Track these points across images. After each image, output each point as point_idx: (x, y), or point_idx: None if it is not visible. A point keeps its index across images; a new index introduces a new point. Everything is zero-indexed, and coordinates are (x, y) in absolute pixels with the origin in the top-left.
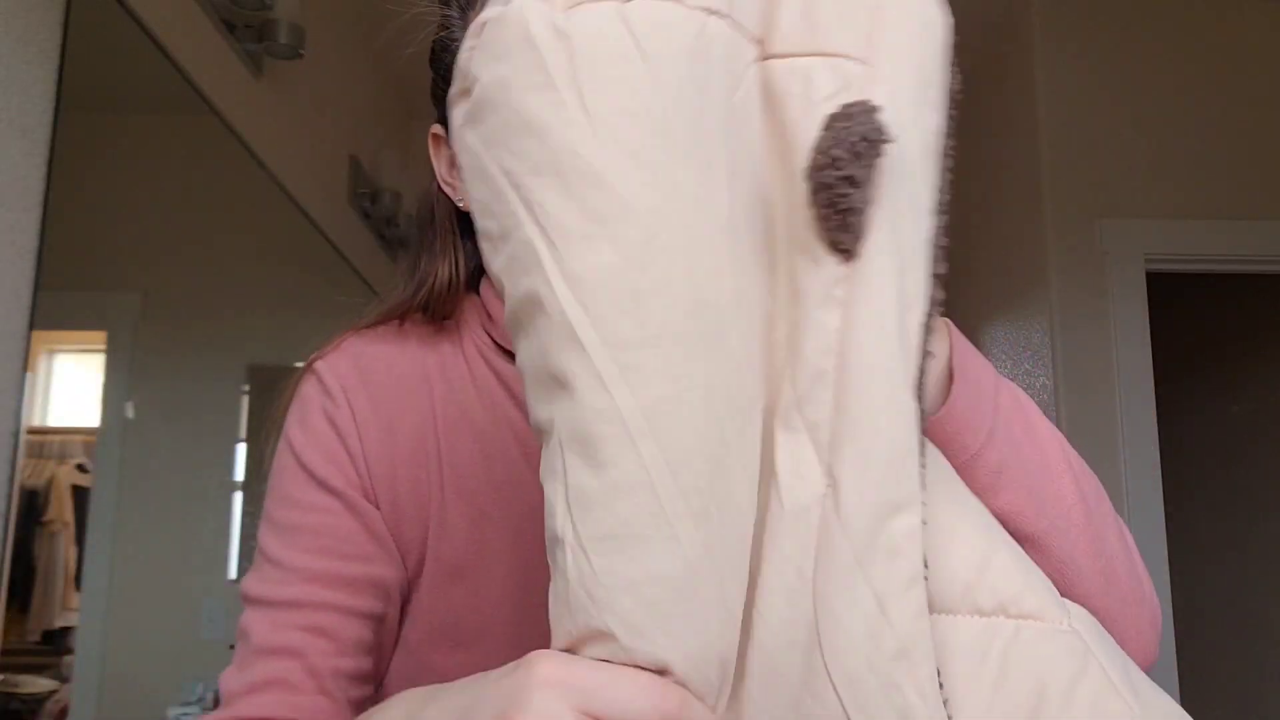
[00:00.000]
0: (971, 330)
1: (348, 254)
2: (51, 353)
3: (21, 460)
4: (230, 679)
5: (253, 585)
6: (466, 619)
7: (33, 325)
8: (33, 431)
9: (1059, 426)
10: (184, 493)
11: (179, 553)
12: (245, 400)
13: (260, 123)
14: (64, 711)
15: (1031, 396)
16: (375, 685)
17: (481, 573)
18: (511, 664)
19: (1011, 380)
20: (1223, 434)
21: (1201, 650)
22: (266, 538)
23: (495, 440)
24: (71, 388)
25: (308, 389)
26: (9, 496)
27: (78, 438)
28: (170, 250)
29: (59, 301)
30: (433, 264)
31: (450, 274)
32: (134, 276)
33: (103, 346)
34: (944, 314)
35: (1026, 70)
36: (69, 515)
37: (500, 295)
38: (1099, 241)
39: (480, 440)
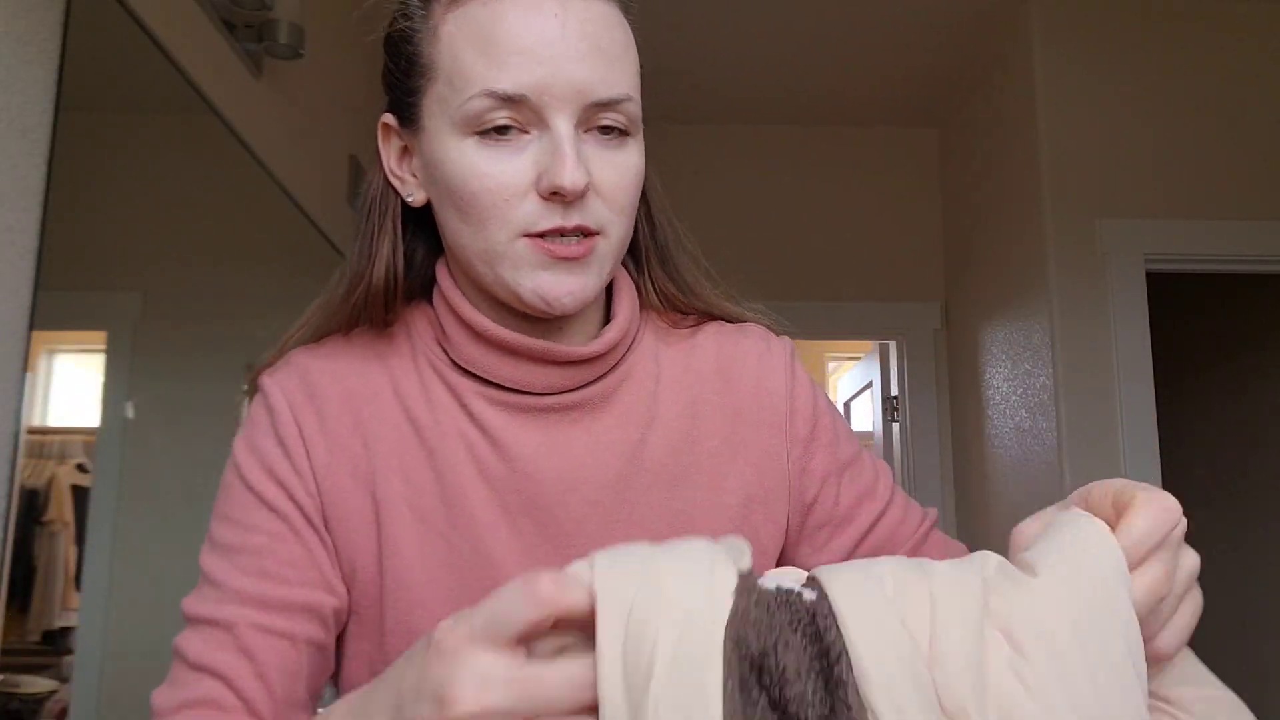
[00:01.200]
0: (972, 330)
1: (348, 254)
2: (51, 353)
3: (21, 460)
4: (161, 695)
5: (192, 604)
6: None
7: (33, 325)
8: (33, 431)
9: (1059, 426)
10: (184, 493)
11: (179, 553)
12: (245, 400)
13: (260, 123)
14: (64, 711)
15: (1031, 396)
16: (313, 711)
17: (435, 591)
18: (407, 653)
19: (1011, 380)
20: (1223, 434)
21: (1201, 650)
22: (207, 557)
23: (448, 457)
24: (71, 388)
25: (254, 409)
26: (9, 496)
27: (78, 438)
28: (170, 250)
29: (59, 301)
30: (368, 264)
31: (387, 275)
32: (134, 276)
33: (103, 346)
34: (945, 315)
35: (1026, 70)
36: (69, 515)
37: None
38: (1099, 241)
39: (433, 457)
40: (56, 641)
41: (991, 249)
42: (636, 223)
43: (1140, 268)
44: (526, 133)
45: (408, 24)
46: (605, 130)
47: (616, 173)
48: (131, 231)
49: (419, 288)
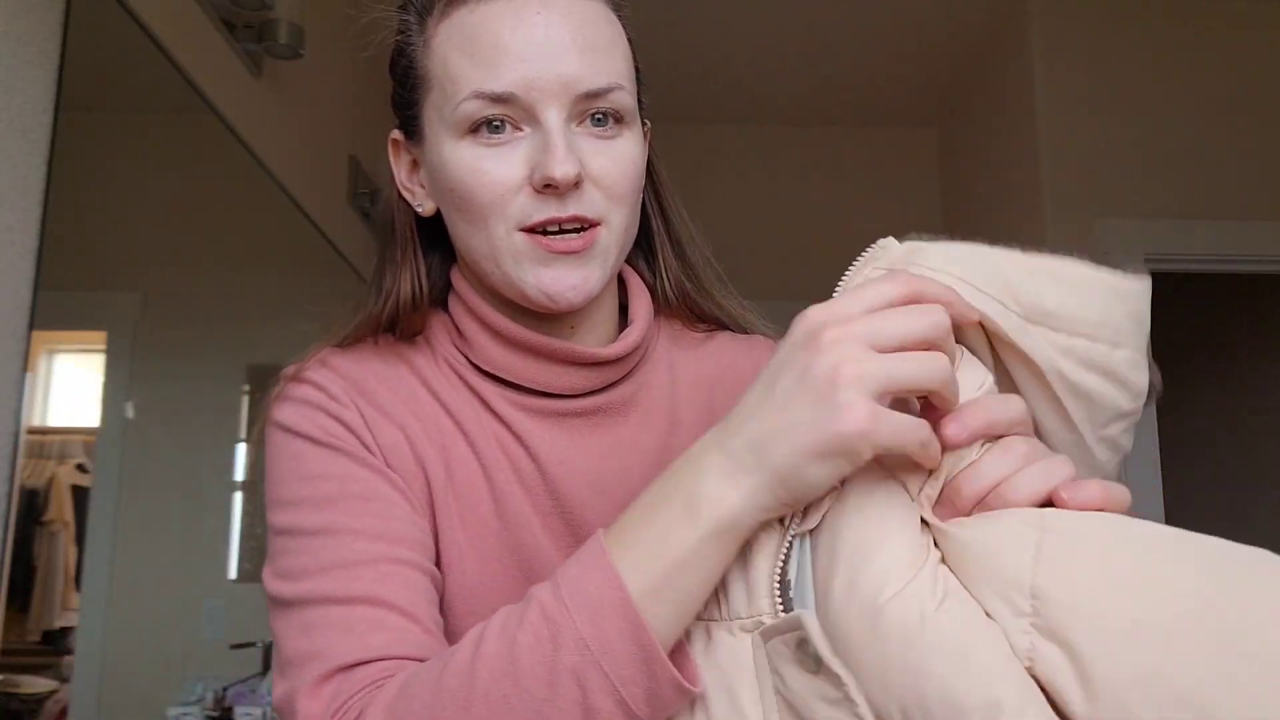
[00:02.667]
0: None
1: (348, 254)
2: (51, 353)
3: (21, 460)
4: (338, 646)
5: (299, 561)
6: (466, 627)
7: (33, 325)
8: (33, 431)
9: None
10: (184, 493)
11: (179, 553)
12: (245, 400)
13: (260, 123)
14: (64, 711)
15: None
16: None
17: (484, 581)
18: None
19: None
20: (1223, 434)
21: None
22: (299, 516)
23: (487, 451)
24: (71, 388)
25: (305, 391)
26: (9, 496)
27: (78, 438)
28: (170, 250)
29: (59, 301)
30: (395, 278)
31: (413, 288)
32: (134, 276)
33: (103, 346)
34: None
35: (1026, 70)
36: (69, 515)
37: None
38: (1099, 241)
39: (475, 449)
40: (56, 641)
41: None
42: (649, 216)
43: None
44: (520, 130)
45: (404, 41)
46: (598, 121)
47: (611, 161)
48: (131, 231)
49: (434, 297)
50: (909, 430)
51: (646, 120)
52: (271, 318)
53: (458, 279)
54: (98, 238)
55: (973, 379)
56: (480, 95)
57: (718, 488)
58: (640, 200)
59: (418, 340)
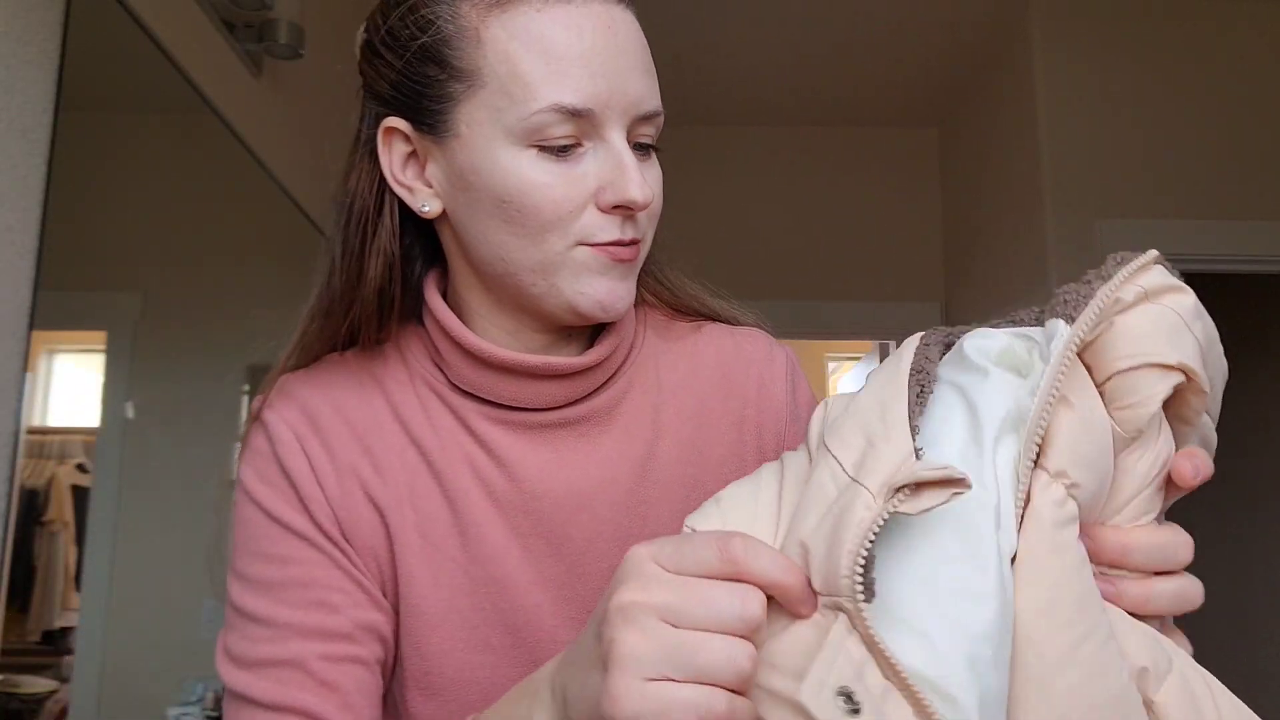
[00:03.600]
0: None
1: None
2: (51, 353)
3: (21, 460)
4: None
5: (241, 647)
6: (438, 667)
7: (33, 325)
8: (33, 431)
9: None
10: (184, 493)
11: (179, 553)
12: (245, 400)
13: (260, 123)
14: (64, 711)
15: None
16: None
17: (451, 619)
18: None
19: None
20: (1223, 434)
21: (1201, 650)
22: (245, 597)
23: (456, 481)
24: (71, 388)
25: (259, 442)
26: (9, 496)
27: (78, 438)
28: (170, 250)
29: (59, 301)
30: (359, 280)
31: (382, 292)
32: (134, 276)
33: (103, 346)
34: (945, 315)
35: (1026, 70)
36: (69, 515)
37: None
38: (1099, 241)
39: (441, 482)
40: (56, 641)
41: (991, 249)
42: None
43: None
44: (580, 145)
45: (435, 16)
46: (641, 145)
47: (653, 184)
48: (131, 231)
49: (409, 306)
50: (687, 710)
51: None
52: (271, 318)
53: (431, 293)
54: (98, 238)
55: (1148, 458)
56: (559, 109)
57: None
58: None
59: (389, 355)
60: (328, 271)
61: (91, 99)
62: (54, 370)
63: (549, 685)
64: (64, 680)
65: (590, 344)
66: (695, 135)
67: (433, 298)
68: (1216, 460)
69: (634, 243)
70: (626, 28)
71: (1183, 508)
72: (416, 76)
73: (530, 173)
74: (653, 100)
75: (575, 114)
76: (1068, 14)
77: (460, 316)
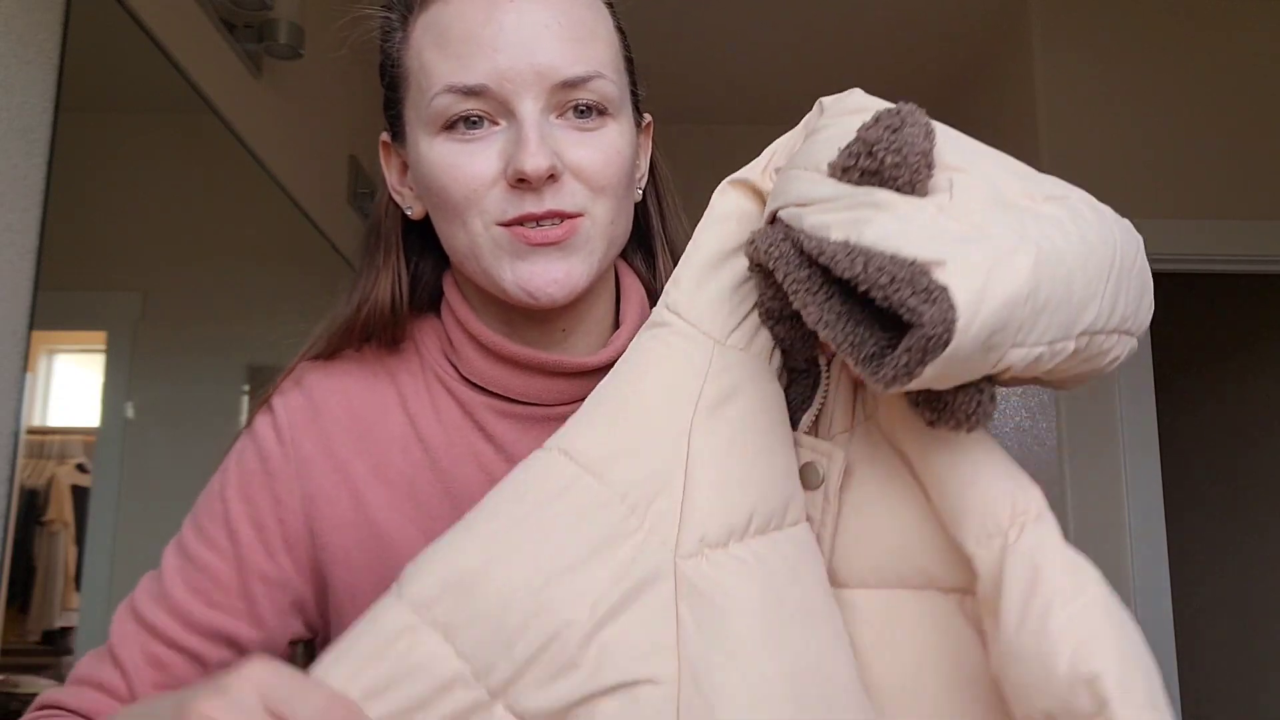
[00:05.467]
0: None
1: (348, 254)
2: (51, 353)
3: (21, 460)
4: (84, 665)
5: (142, 587)
6: None
7: (33, 325)
8: (33, 431)
9: (1059, 426)
10: (184, 493)
11: None
12: (245, 400)
13: (260, 123)
14: None
15: (1031, 396)
16: None
17: None
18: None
19: None
20: (1223, 433)
21: (1201, 650)
22: (169, 552)
23: (462, 479)
24: (71, 388)
25: (260, 424)
26: (9, 496)
27: (78, 438)
28: (170, 250)
29: (59, 301)
30: (374, 282)
31: (393, 293)
32: (134, 276)
33: (103, 346)
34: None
35: (1026, 70)
36: (69, 515)
37: None
38: None
39: (444, 479)
40: (56, 641)
41: None
42: (649, 214)
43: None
44: (496, 124)
45: (386, 42)
46: (581, 113)
47: (593, 153)
48: (131, 231)
49: (428, 302)
50: None
51: (646, 114)
52: (271, 318)
53: (449, 286)
54: (98, 238)
55: None
56: (452, 89)
57: None
58: (630, 194)
59: (406, 348)
60: (357, 276)
61: (91, 99)
62: (54, 370)
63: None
64: (64, 680)
65: (605, 337)
66: (695, 135)
67: (450, 290)
68: (1216, 460)
69: (552, 215)
70: (541, 2)
71: (1182, 507)
72: (387, 90)
73: (440, 156)
74: (575, 66)
75: (470, 92)
76: (1068, 14)
77: (470, 306)
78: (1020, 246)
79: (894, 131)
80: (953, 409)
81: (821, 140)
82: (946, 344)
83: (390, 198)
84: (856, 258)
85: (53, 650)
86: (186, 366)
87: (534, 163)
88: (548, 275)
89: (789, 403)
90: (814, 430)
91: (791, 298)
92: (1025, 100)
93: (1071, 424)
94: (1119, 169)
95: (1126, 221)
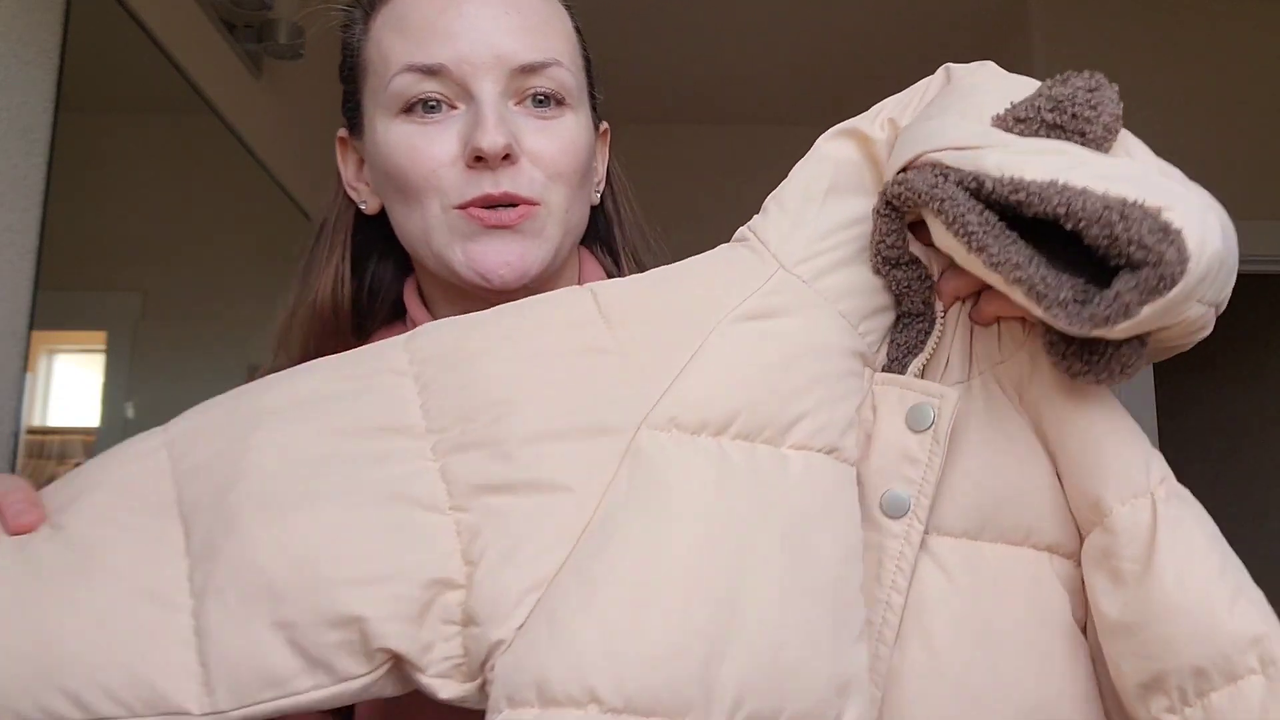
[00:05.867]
0: None
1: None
2: (51, 353)
3: (21, 460)
4: None
5: None
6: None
7: (33, 325)
8: (33, 431)
9: None
10: None
11: None
12: None
13: (260, 123)
14: None
15: None
16: None
17: None
18: None
19: None
20: (1223, 432)
21: None
22: None
23: None
24: (71, 388)
25: None
26: None
27: (78, 438)
28: (170, 250)
29: (59, 301)
30: (313, 282)
31: (335, 293)
32: (134, 276)
33: (103, 346)
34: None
35: (1027, 69)
36: None
37: None
38: None
39: None
40: None
41: None
42: (608, 219)
43: None
44: (455, 108)
45: (347, 34)
46: (540, 102)
47: (550, 140)
48: (131, 231)
49: (392, 313)
50: None
51: (604, 122)
52: (271, 318)
53: (409, 293)
54: (98, 238)
55: None
56: (411, 68)
57: None
58: (586, 186)
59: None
60: (293, 283)
61: (91, 99)
62: (54, 370)
63: None
64: None
65: None
66: (696, 134)
67: (409, 295)
68: (1217, 460)
69: (508, 199)
70: None
71: None
72: (345, 85)
73: (398, 137)
74: (533, 52)
75: (429, 71)
76: (1068, 13)
77: (431, 312)
78: (1209, 208)
79: (1090, 91)
80: (1110, 361)
81: (978, 94)
82: (1174, 284)
83: (341, 195)
84: (1074, 196)
85: None
86: (186, 366)
87: (490, 139)
88: (500, 257)
89: (899, 345)
90: (923, 376)
91: (961, 239)
92: None
93: None
94: None
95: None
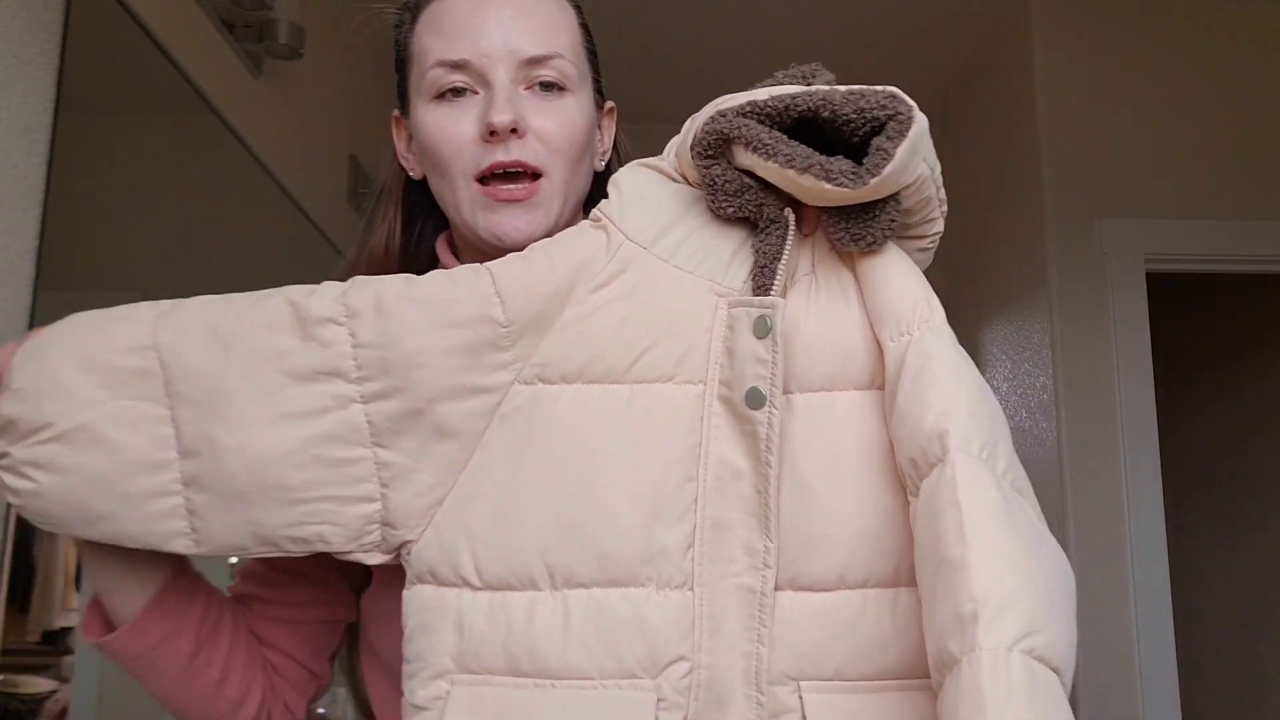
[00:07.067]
0: (971, 330)
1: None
2: None
3: None
4: None
5: None
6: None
7: (33, 325)
8: None
9: (1059, 426)
10: None
11: None
12: None
13: (260, 122)
14: (64, 711)
15: (1031, 397)
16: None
17: None
18: None
19: (1011, 380)
20: (1223, 434)
21: (1201, 650)
22: None
23: None
24: None
25: None
26: None
27: None
28: (170, 250)
29: (59, 301)
30: (373, 232)
31: (388, 240)
32: (134, 276)
33: None
34: (946, 313)
35: (1026, 70)
36: None
37: None
38: (1099, 241)
39: None
40: (56, 641)
41: (991, 249)
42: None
43: (1140, 268)
44: (476, 94)
45: (398, 31)
46: (546, 87)
47: (551, 118)
48: (131, 231)
49: (429, 262)
50: None
51: (609, 101)
52: None
53: (441, 245)
54: (98, 238)
55: None
56: (442, 63)
57: None
58: (586, 159)
59: None
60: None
61: (91, 99)
62: None
63: None
64: (64, 680)
65: None
66: None
67: (441, 248)
68: (1217, 460)
69: (518, 165)
70: (518, 2)
71: (1184, 507)
72: (398, 73)
73: (433, 119)
74: (538, 46)
75: (456, 65)
76: (1068, 13)
77: (459, 261)
78: (915, 109)
79: (813, 67)
80: (873, 225)
81: (734, 98)
82: (912, 124)
83: (395, 164)
84: (826, 94)
85: (53, 650)
86: None
87: (500, 117)
88: (512, 225)
89: (762, 254)
90: (784, 275)
91: (762, 154)
92: (1025, 99)
93: (1071, 424)
94: (1119, 169)
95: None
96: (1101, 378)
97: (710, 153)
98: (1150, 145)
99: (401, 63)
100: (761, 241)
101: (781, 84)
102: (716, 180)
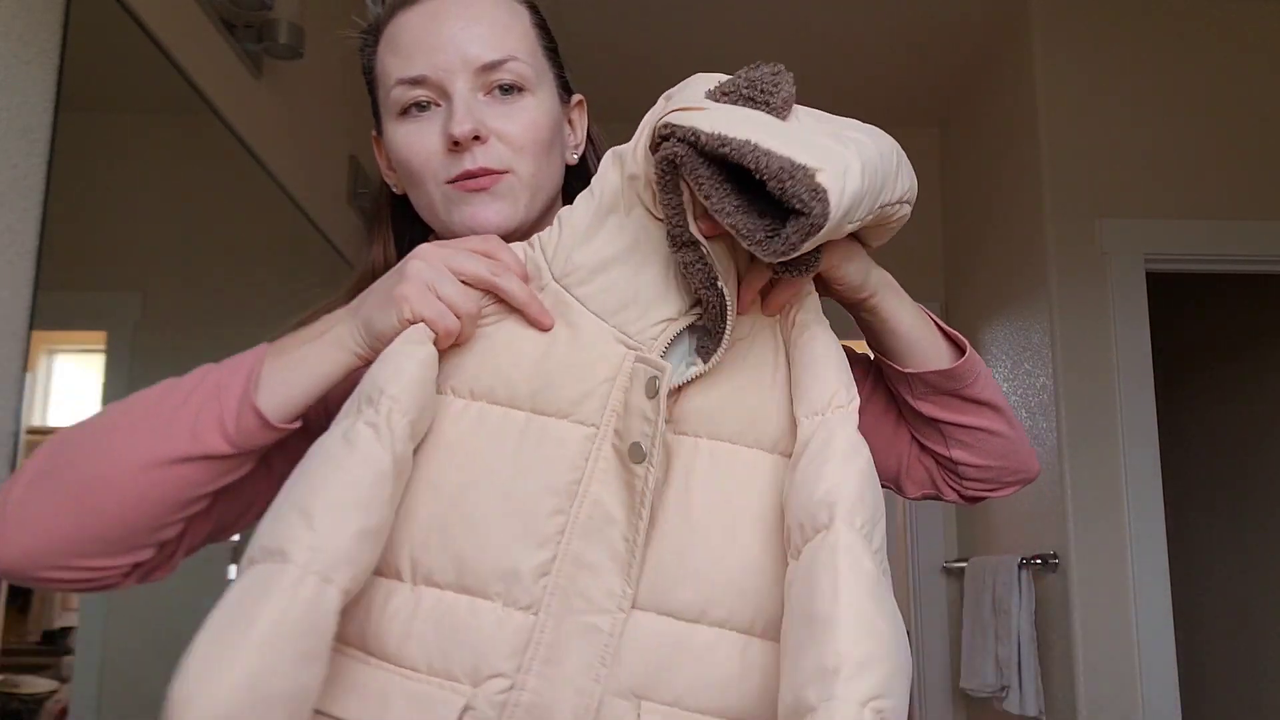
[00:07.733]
0: (972, 330)
1: (348, 254)
2: (51, 353)
3: (21, 460)
4: None
5: None
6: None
7: (33, 325)
8: (33, 431)
9: (1059, 426)
10: None
11: None
12: None
13: (260, 123)
14: (64, 711)
15: (1031, 397)
16: None
17: None
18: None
19: (1011, 380)
20: (1223, 434)
21: (1201, 650)
22: None
23: None
24: (71, 388)
25: None
26: None
27: None
28: (170, 250)
29: (59, 301)
30: (368, 247)
31: (384, 255)
32: (134, 276)
33: (103, 346)
34: (945, 314)
35: (1026, 70)
36: None
37: None
38: (1099, 241)
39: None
40: (56, 641)
41: (991, 249)
42: (586, 171)
43: (1140, 268)
44: (439, 105)
45: (363, 55)
46: (505, 90)
47: (511, 120)
48: (131, 231)
49: None
50: (430, 308)
51: (577, 94)
52: (272, 318)
53: None
54: (98, 238)
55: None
56: (401, 81)
57: (335, 325)
58: (552, 154)
59: None
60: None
61: (91, 99)
62: (54, 370)
63: (346, 311)
64: (64, 680)
65: None
66: None
67: None
68: (1217, 460)
69: (484, 171)
70: (467, 10)
71: (1184, 507)
72: (370, 94)
73: (401, 135)
74: (491, 52)
75: (415, 81)
76: (1068, 13)
77: None
78: (853, 157)
79: (774, 75)
80: (799, 263)
81: (694, 85)
82: (821, 228)
83: (382, 183)
84: (760, 155)
85: (53, 650)
86: (186, 366)
87: (460, 128)
88: (483, 215)
89: (692, 271)
90: (731, 306)
91: (696, 189)
92: (1026, 100)
93: (1071, 424)
94: (1119, 169)
95: (887, 135)
96: (1101, 377)
97: (667, 179)
98: (1150, 145)
99: (370, 85)
100: (703, 315)
101: (749, 79)
102: (667, 218)
